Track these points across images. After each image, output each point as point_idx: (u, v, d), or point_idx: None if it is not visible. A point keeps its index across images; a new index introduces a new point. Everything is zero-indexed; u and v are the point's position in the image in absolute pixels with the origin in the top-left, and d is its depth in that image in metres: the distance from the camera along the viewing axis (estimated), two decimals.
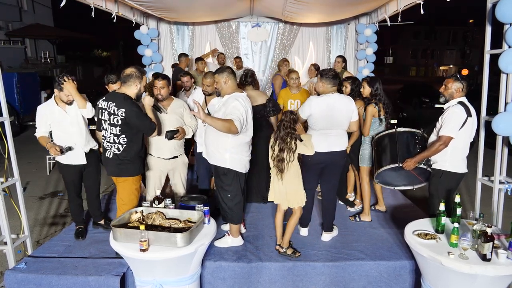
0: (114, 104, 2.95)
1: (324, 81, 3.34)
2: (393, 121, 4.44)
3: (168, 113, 3.57)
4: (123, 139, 3.01)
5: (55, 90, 3.34)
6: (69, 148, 3.40)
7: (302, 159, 3.38)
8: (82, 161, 3.48)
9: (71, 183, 3.57)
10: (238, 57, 7.20)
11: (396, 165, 3.39)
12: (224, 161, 3.14)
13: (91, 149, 3.54)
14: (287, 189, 3.21)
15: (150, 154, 3.62)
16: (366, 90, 3.90)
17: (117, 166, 3.07)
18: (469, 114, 3.08)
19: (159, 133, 3.34)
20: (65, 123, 3.38)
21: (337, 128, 3.37)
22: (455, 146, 3.13)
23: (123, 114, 2.92)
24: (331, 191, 3.60)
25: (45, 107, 3.41)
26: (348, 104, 3.38)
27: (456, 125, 3.06)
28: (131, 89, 3.03)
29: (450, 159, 3.18)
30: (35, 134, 3.43)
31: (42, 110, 3.40)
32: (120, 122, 2.95)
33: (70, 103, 3.39)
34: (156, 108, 3.43)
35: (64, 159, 3.45)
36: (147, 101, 3.13)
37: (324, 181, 3.57)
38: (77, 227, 3.71)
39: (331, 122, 3.32)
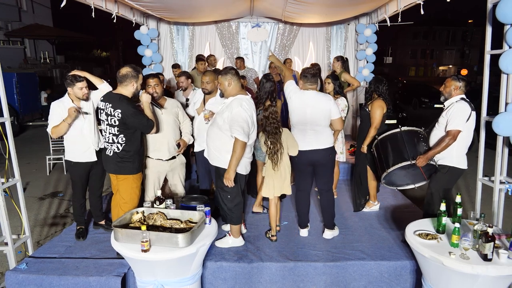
0: (110, 105, 2.99)
1: (302, 80, 3.50)
2: (393, 121, 4.43)
3: (165, 114, 3.58)
4: (122, 139, 3.05)
5: (68, 89, 3.31)
6: (86, 112, 3.37)
7: (291, 157, 3.54)
8: (93, 158, 3.48)
9: (79, 181, 3.56)
10: (240, 58, 7.02)
11: (408, 162, 3.40)
12: (225, 162, 3.13)
13: (100, 148, 3.53)
14: (285, 176, 3.44)
15: (148, 157, 3.61)
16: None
17: (116, 164, 3.11)
18: (472, 108, 3.21)
19: (158, 130, 3.35)
20: (79, 120, 3.37)
21: (312, 125, 3.40)
22: (460, 141, 3.22)
23: (120, 115, 2.96)
24: (326, 190, 3.63)
25: (59, 104, 3.35)
26: (324, 102, 3.40)
27: (463, 118, 3.16)
28: (128, 89, 3.07)
29: (456, 154, 3.26)
30: (47, 130, 3.37)
31: (57, 107, 3.33)
32: (117, 122, 2.99)
33: (86, 98, 3.37)
34: (155, 105, 3.41)
35: (75, 157, 3.45)
36: (145, 99, 3.15)
37: (318, 180, 3.64)
38: (77, 227, 3.71)
39: (305, 117, 3.37)
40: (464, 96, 3.27)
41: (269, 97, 3.97)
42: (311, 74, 3.45)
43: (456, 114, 3.17)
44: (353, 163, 5.68)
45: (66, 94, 3.39)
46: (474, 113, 3.21)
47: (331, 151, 3.52)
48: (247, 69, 6.91)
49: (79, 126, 3.39)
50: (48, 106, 3.49)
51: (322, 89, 4.58)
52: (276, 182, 3.42)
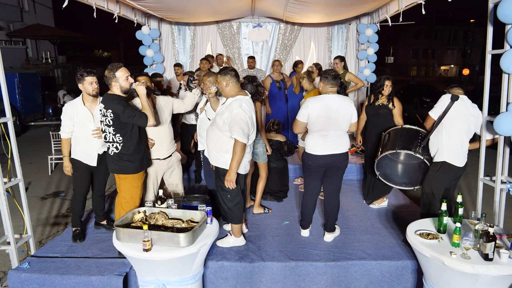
0: (103, 106, 3.03)
1: (323, 81, 3.36)
2: None
3: (159, 112, 3.53)
4: (119, 138, 3.07)
5: (79, 86, 3.32)
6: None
7: (302, 161, 3.51)
8: (93, 163, 3.49)
9: (81, 180, 3.55)
10: (251, 57, 6.95)
11: (393, 151, 3.66)
12: (225, 162, 3.14)
13: (104, 151, 3.52)
14: None
15: None
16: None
17: (117, 163, 3.12)
18: (454, 99, 3.25)
19: (158, 123, 3.34)
20: (89, 123, 3.39)
21: (336, 130, 3.31)
22: (451, 136, 3.27)
23: (112, 114, 2.99)
24: (335, 194, 3.54)
25: (71, 107, 3.38)
26: (347, 105, 3.32)
27: (438, 106, 3.31)
28: (115, 89, 3.08)
29: (447, 148, 3.30)
30: (59, 133, 3.45)
31: (69, 109, 3.37)
32: (111, 122, 3.02)
33: (96, 93, 3.38)
34: (151, 92, 3.33)
35: (77, 155, 3.48)
36: (141, 91, 3.10)
37: (327, 184, 3.53)
38: (73, 229, 3.68)
39: (329, 123, 3.28)
40: (460, 95, 3.32)
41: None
42: (332, 76, 3.31)
43: (436, 104, 3.35)
44: (354, 163, 5.69)
45: (81, 95, 3.42)
46: (459, 105, 3.22)
47: (347, 155, 3.45)
48: (256, 70, 6.90)
49: (89, 129, 3.39)
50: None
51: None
52: None
